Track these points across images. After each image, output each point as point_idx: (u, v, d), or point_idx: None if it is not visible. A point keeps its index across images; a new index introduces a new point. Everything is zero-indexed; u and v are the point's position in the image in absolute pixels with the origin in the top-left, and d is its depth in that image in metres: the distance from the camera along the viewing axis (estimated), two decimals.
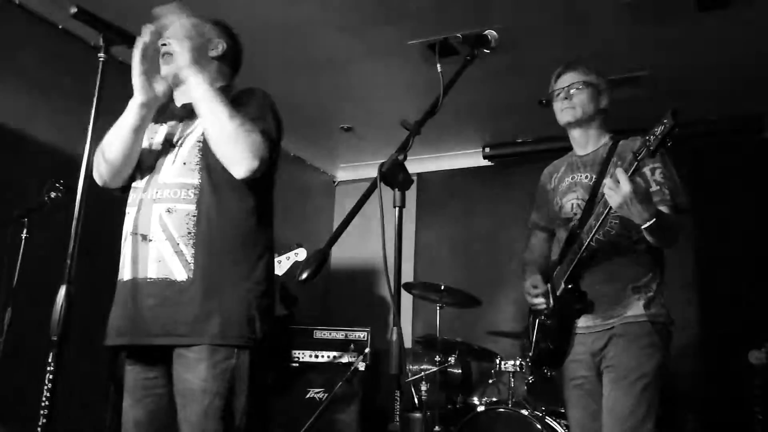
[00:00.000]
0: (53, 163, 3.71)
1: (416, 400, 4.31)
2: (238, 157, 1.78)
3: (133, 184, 1.97)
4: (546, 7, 3.76)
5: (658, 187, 2.19)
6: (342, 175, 6.91)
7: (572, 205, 2.38)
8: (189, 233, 1.82)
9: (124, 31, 1.83)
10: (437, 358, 4.20)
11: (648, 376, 2.14)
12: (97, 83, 1.74)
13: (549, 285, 2.39)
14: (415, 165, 5.89)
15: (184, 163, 1.88)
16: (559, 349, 2.34)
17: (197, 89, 1.82)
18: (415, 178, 1.48)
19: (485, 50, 1.79)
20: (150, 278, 1.81)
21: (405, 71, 4.67)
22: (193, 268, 1.80)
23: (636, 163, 1.94)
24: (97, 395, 3.78)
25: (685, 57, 4.30)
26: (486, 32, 1.81)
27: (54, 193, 3.16)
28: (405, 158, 1.42)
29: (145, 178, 1.93)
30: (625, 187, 1.91)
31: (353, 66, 4.66)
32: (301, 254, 4.37)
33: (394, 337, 1.33)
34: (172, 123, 1.99)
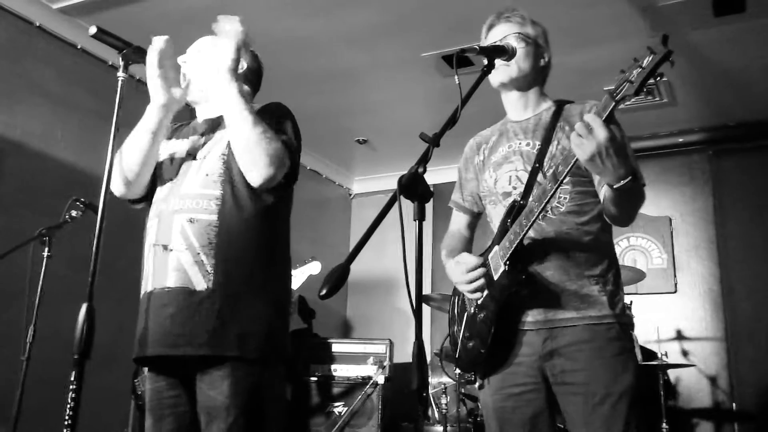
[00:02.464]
0: (74, 182, 3.75)
1: (436, 414, 4.28)
2: (257, 162, 1.79)
3: (155, 197, 1.99)
4: (562, 16, 3.75)
5: None
6: (358, 187, 6.91)
7: (510, 177, 1.94)
8: (210, 243, 1.82)
9: (143, 50, 1.85)
10: (457, 371, 4.16)
11: (629, 390, 1.74)
12: (116, 102, 1.76)
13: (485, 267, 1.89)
14: (432, 176, 5.87)
15: (207, 175, 1.90)
16: (495, 352, 1.85)
17: (229, 93, 1.84)
18: (431, 188, 1.47)
19: (503, 60, 1.78)
20: (169, 287, 1.81)
21: (419, 83, 4.68)
22: (212, 278, 1.80)
23: (613, 104, 1.53)
24: (120, 412, 3.79)
25: (703, 62, 4.27)
26: (503, 43, 1.80)
27: (75, 212, 3.19)
28: (425, 171, 1.41)
29: (167, 190, 1.95)
30: (601, 133, 1.51)
31: (367, 78, 4.68)
32: (315, 268, 4.36)
33: (416, 351, 1.31)
34: (194, 137, 2.02)
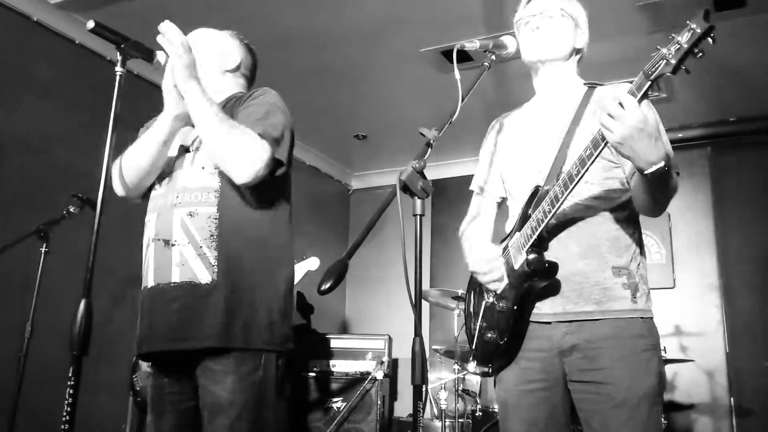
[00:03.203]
0: (72, 177, 3.74)
1: (435, 409, 4.28)
2: (235, 163, 1.76)
3: (152, 192, 1.98)
4: None
5: None
6: (356, 183, 6.91)
7: (534, 160, 1.85)
8: (211, 236, 1.81)
9: (141, 45, 1.84)
10: (455, 366, 4.17)
11: (651, 391, 1.64)
12: (114, 97, 1.74)
13: (504, 256, 1.83)
14: (431, 171, 5.87)
15: (203, 167, 1.88)
16: (512, 344, 1.77)
17: (188, 100, 1.80)
18: (431, 184, 1.46)
19: (503, 55, 1.77)
20: (174, 282, 1.80)
21: (418, 78, 4.67)
22: (216, 270, 1.80)
23: (649, 83, 1.41)
24: (119, 408, 3.79)
25: (703, 58, 4.25)
26: (503, 38, 1.80)
27: (72, 207, 3.18)
28: (424, 166, 1.41)
29: (164, 185, 1.94)
30: (634, 114, 1.39)
31: (366, 74, 4.67)
32: (313, 263, 4.35)
33: (417, 347, 1.31)
34: (186, 129, 2.00)
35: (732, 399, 4.79)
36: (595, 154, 1.52)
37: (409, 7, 3.82)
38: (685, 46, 1.34)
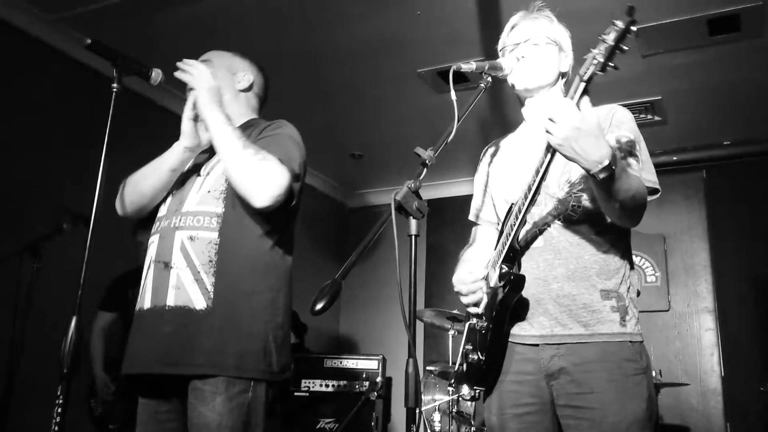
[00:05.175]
0: (66, 193, 3.72)
1: (429, 431, 4.24)
2: (256, 186, 1.76)
3: (158, 214, 1.97)
4: None
5: (622, 155, 1.66)
6: (352, 202, 6.91)
7: (520, 183, 1.81)
8: (210, 261, 1.81)
9: (137, 62, 1.84)
10: (450, 388, 4.13)
11: (641, 416, 1.60)
12: (110, 114, 1.74)
13: (485, 278, 1.82)
14: (426, 191, 5.88)
15: (209, 191, 1.88)
16: (492, 363, 1.76)
17: (211, 124, 1.83)
18: (426, 204, 1.46)
19: (499, 77, 1.78)
20: (169, 306, 1.79)
21: (415, 98, 4.69)
22: (212, 296, 1.78)
23: (583, 84, 1.45)
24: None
25: (697, 81, 4.29)
26: (499, 59, 1.80)
27: (65, 224, 3.16)
28: (419, 186, 1.41)
29: (170, 207, 1.94)
30: (571, 114, 1.41)
31: (363, 93, 4.69)
32: None
33: (410, 369, 1.29)
34: (198, 153, 2.01)
35: (728, 423, 4.76)
36: (545, 162, 1.55)
37: (406, 27, 3.85)
38: (611, 43, 1.43)
